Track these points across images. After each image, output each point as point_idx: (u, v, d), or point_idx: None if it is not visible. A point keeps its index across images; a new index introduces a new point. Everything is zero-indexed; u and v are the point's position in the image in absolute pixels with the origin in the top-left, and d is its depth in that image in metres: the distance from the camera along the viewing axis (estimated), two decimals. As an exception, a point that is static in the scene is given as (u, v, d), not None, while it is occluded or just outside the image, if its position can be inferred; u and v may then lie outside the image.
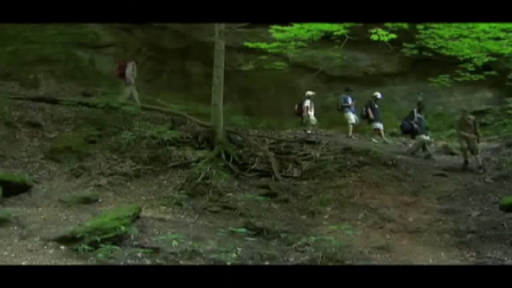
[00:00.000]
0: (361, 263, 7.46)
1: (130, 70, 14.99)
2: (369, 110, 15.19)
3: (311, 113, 15.43)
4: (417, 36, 10.63)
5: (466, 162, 12.21)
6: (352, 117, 15.44)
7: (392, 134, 15.94)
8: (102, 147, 11.55)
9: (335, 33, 10.09)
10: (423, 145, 13.58)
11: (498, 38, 10.14)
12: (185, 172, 10.88)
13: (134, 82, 15.06)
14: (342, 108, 15.59)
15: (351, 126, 15.37)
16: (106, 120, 12.58)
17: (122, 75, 15.01)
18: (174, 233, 7.84)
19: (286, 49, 11.88)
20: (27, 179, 9.67)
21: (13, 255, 6.90)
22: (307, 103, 15.41)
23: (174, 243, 7.40)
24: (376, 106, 15.34)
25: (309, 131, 15.14)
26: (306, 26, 9.77)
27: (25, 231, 7.65)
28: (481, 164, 11.97)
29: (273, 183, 10.97)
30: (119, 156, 11.27)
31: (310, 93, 15.56)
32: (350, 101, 15.55)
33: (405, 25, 9.33)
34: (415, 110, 13.92)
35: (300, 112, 15.55)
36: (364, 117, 15.43)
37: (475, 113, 14.50)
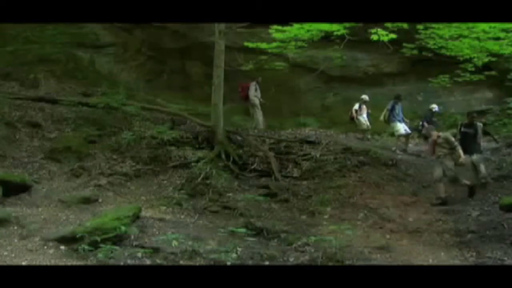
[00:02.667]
0: (361, 263, 7.46)
1: (253, 91, 15.11)
2: (426, 124, 14.06)
3: (361, 117, 15.05)
4: (417, 36, 10.62)
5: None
6: (400, 127, 14.11)
7: (392, 135, 15.91)
8: (102, 147, 11.55)
9: (335, 33, 10.07)
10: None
11: (498, 38, 10.11)
12: (185, 172, 10.89)
13: (258, 102, 15.22)
14: (389, 119, 14.33)
15: (399, 138, 14.19)
16: (106, 120, 12.58)
17: (246, 97, 15.22)
18: (174, 233, 7.83)
19: (286, 49, 11.84)
20: (27, 179, 9.67)
21: (13, 255, 6.89)
22: (356, 106, 15.11)
23: (174, 243, 7.40)
24: (434, 119, 14.46)
25: (359, 136, 14.86)
26: (306, 26, 9.75)
27: (25, 231, 7.65)
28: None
29: (273, 183, 10.98)
30: (119, 156, 11.28)
31: (362, 96, 15.26)
32: (400, 108, 14.41)
33: (405, 25, 9.32)
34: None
35: (353, 117, 15.22)
36: (420, 130, 14.47)
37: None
